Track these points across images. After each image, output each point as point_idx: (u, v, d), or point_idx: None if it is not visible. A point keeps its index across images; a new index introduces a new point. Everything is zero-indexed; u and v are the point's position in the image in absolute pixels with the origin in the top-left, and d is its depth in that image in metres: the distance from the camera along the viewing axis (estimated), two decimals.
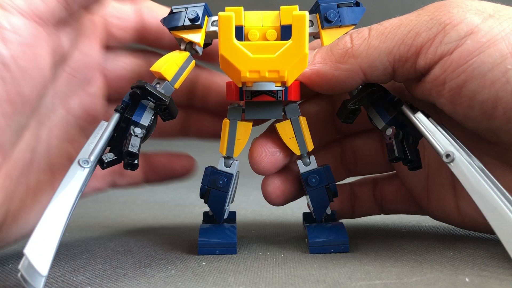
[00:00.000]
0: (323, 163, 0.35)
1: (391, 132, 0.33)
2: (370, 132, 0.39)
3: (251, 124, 0.35)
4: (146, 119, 0.33)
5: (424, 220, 0.45)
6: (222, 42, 0.30)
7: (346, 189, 0.40)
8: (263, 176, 0.36)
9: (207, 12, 0.35)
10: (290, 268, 0.30)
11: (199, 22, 0.34)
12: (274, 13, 0.34)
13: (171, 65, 0.34)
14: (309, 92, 0.35)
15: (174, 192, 0.72)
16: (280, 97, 0.33)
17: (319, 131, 0.37)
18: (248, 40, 0.33)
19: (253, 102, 0.34)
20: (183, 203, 0.64)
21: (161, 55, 0.35)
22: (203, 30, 0.34)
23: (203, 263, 0.32)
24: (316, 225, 0.35)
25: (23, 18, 0.25)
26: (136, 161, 0.32)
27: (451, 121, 0.33)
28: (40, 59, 0.26)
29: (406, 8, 0.35)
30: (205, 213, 0.37)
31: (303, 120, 0.35)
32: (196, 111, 0.41)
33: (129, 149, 0.31)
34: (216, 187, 0.34)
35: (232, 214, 0.39)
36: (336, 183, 0.36)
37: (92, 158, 0.30)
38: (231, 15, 0.30)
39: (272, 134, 0.36)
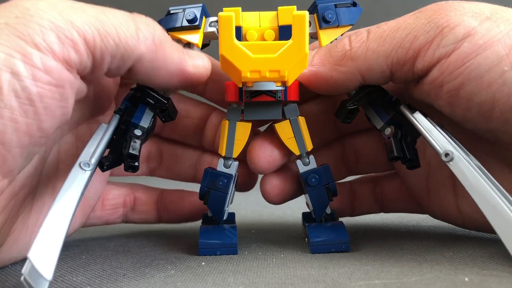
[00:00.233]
0: (324, 162, 0.35)
1: (389, 132, 0.33)
2: (371, 131, 0.39)
3: (250, 124, 0.35)
4: (145, 121, 0.33)
5: (423, 220, 0.45)
6: (223, 42, 0.30)
7: (345, 188, 0.40)
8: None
9: (205, 13, 0.35)
10: (289, 268, 0.30)
11: (197, 23, 0.34)
12: (271, 13, 0.34)
13: None
14: (310, 92, 0.35)
15: None
16: (279, 97, 0.33)
17: (320, 130, 0.37)
18: (246, 40, 0.33)
19: (252, 102, 0.34)
20: None
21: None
22: (201, 31, 0.34)
23: (203, 263, 0.32)
24: (316, 224, 0.35)
25: (55, 62, 0.26)
26: (136, 163, 0.32)
27: (450, 121, 0.33)
28: (64, 99, 0.27)
29: (406, 8, 0.35)
30: (204, 215, 0.37)
31: (302, 120, 0.35)
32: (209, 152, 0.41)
33: (130, 151, 0.31)
34: (215, 188, 0.34)
35: (231, 215, 0.39)
36: (336, 182, 0.36)
37: (93, 160, 0.30)
38: (232, 15, 0.30)
39: (270, 134, 0.36)
